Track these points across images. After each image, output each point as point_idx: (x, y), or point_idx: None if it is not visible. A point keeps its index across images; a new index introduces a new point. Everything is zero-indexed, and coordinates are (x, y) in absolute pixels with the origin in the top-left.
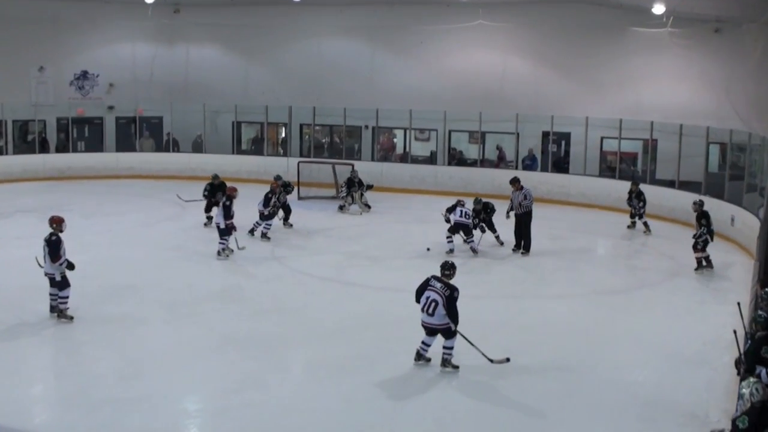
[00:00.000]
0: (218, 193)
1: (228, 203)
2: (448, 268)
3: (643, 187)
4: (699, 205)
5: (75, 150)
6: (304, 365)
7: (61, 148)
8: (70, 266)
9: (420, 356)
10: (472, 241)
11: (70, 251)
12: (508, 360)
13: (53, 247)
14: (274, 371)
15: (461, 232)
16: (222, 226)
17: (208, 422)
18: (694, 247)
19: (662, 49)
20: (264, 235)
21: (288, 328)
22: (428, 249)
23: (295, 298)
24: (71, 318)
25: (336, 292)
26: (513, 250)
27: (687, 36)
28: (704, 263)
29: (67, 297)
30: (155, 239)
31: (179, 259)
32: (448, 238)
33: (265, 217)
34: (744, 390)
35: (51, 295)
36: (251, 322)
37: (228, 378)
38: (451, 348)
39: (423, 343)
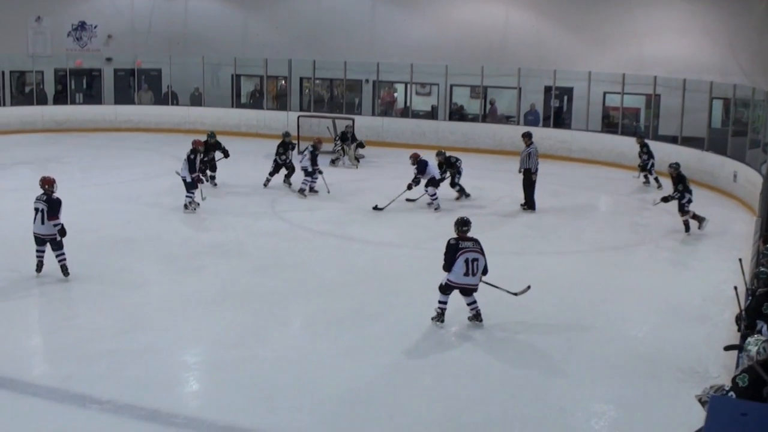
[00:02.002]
0: (211, 153)
1: (192, 156)
2: (466, 224)
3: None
4: (675, 168)
5: (73, 102)
6: (303, 319)
7: (60, 100)
8: (63, 231)
9: (443, 316)
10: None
11: (68, 204)
12: (529, 287)
13: (55, 204)
14: (273, 325)
15: (429, 188)
16: (188, 179)
17: (206, 375)
18: (681, 210)
19: (666, 3)
20: (312, 189)
21: (287, 283)
22: (375, 207)
23: (295, 253)
24: (68, 273)
25: (335, 246)
26: (521, 206)
27: None
28: (692, 224)
29: (65, 253)
30: (154, 193)
31: (178, 213)
32: (433, 196)
33: (309, 173)
34: (751, 347)
35: (39, 251)
36: (250, 276)
37: (227, 331)
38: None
39: (443, 303)
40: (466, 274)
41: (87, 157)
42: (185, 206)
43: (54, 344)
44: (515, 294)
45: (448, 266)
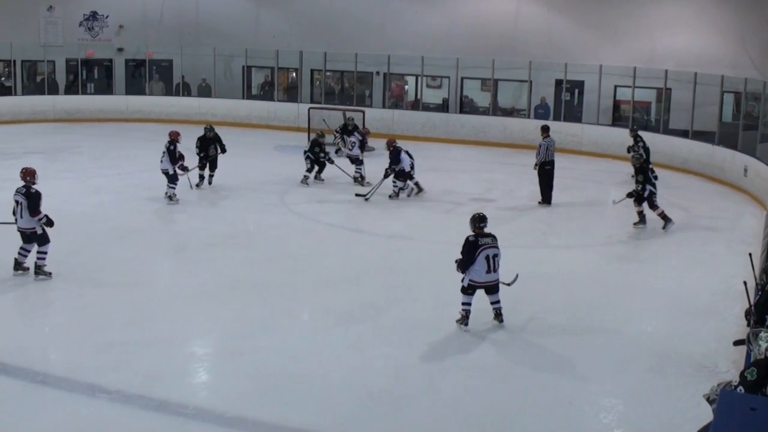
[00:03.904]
0: (211, 147)
1: (172, 148)
2: (483, 220)
3: (656, 136)
4: (637, 159)
5: (84, 92)
6: (313, 311)
7: (71, 89)
8: (50, 222)
9: (468, 318)
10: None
11: (79, 193)
12: (517, 276)
13: (34, 199)
14: (282, 317)
15: (400, 179)
16: (171, 171)
17: (216, 366)
18: (652, 207)
19: None
20: (361, 177)
21: (297, 275)
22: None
23: (304, 245)
24: (50, 274)
25: (345, 239)
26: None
27: None
28: (663, 221)
29: (47, 253)
30: (164, 183)
31: (188, 203)
32: (394, 184)
33: (360, 162)
34: (762, 343)
35: (22, 249)
36: (260, 268)
37: (236, 323)
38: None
39: (468, 304)
40: (488, 270)
41: (98, 147)
42: (170, 198)
43: (64, 334)
44: (508, 284)
45: (466, 264)
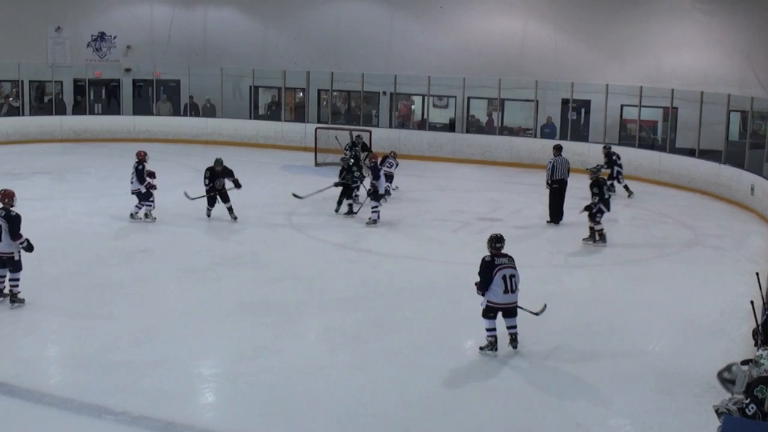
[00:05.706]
0: (218, 181)
1: (140, 168)
2: (500, 240)
3: (663, 155)
4: (593, 172)
5: (92, 112)
6: (319, 332)
7: (79, 110)
8: (29, 248)
9: (496, 344)
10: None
11: (87, 214)
12: (545, 306)
13: (15, 222)
14: (288, 337)
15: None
16: (143, 190)
17: (222, 387)
18: (591, 218)
19: (683, 15)
20: (387, 194)
21: (303, 295)
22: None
23: (311, 265)
24: (23, 301)
25: (352, 259)
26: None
27: (708, 1)
28: (597, 237)
29: (19, 279)
30: (171, 203)
31: (194, 224)
32: (374, 208)
33: (390, 180)
34: (764, 361)
35: None
36: (266, 288)
37: (243, 344)
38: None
39: (492, 329)
40: (506, 291)
41: (105, 168)
42: (145, 216)
43: (70, 354)
44: (536, 314)
45: (485, 286)
